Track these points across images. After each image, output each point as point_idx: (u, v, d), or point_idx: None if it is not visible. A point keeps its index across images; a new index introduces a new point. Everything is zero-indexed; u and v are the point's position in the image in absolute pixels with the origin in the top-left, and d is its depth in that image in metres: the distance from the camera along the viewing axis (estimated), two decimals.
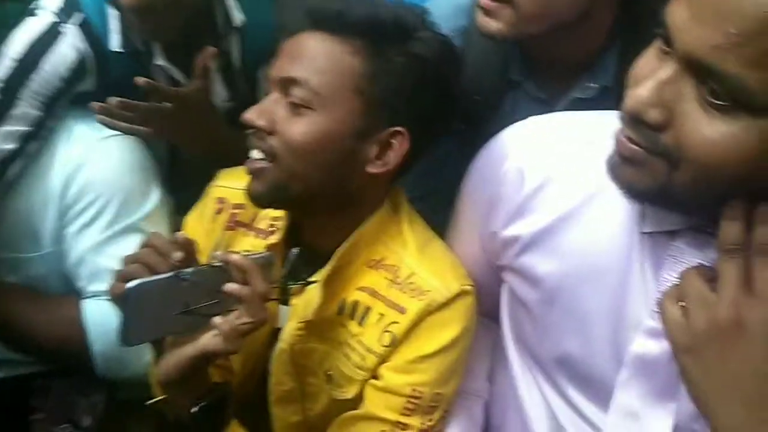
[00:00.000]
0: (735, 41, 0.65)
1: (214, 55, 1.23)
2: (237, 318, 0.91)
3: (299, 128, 0.97)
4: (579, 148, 0.94)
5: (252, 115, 0.99)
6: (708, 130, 0.70)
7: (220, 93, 1.39)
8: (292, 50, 0.99)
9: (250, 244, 1.12)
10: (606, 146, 0.85)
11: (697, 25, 0.68)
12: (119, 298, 0.90)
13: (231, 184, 1.16)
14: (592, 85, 1.24)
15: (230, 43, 1.35)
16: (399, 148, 1.00)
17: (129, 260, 0.94)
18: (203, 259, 1.16)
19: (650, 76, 0.73)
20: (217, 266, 0.94)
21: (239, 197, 1.14)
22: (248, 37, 1.35)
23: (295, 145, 0.97)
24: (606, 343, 0.90)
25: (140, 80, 1.18)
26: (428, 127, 1.04)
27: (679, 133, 0.72)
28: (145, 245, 0.95)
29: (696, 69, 0.70)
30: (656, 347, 0.85)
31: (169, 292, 0.89)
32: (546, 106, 1.29)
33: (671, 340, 0.78)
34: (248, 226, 1.13)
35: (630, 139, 0.75)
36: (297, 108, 0.97)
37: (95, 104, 1.20)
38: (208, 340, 0.92)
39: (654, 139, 0.73)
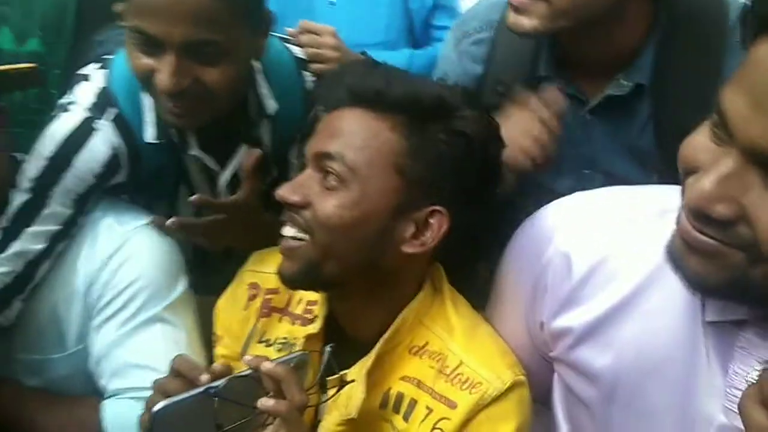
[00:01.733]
0: None
1: (259, 158, 1.22)
2: None
3: (332, 203, 0.93)
4: (629, 228, 0.88)
5: (285, 191, 0.96)
6: None
7: None
8: (330, 126, 0.97)
9: (286, 331, 1.07)
10: (658, 224, 0.80)
11: (762, 116, 0.62)
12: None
13: (263, 269, 1.13)
14: (627, 82, 1.22)
15: (262, 130, 1.33)
16: (437, 228, 0.95)
17: (157, 389, 0.88)
18: (238, 349, 1.12)
19: (710, 166, 0.67)
20: (247, 375, 0.87)
21: (273, 282, 1.10)
22: (279, 123, 1.33)
23: (329, 220, 0.93)
24: None
25: (195, 199, 1.21)
26: (470, 206, 0.99)
27: (753, 227, 0.66)
28: (172, 372, 0.89)
29: (763, 161, 0.64)
30: None
31: (199, 411, 0.83)
32: (578, 102, 1.27)
33: None
34: (283, 311, 1.09)
35: (699, 230, 0.69)
36: (331, 183, 0.94)
37: (155, 219, 1.24)
38: None
39: (728, 232, 0.67)
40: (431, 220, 0.95)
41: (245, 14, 1.14)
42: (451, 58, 1.38)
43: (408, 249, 0.96)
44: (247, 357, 0.90)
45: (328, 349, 0.95)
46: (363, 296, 1.00)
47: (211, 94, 1.13)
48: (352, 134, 0.94)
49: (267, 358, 0.89)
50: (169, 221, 1.22)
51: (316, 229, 0.94)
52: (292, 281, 0.99)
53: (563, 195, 1.27)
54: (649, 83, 1.22)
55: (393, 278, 1.00)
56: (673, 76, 1.20)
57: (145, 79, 1.14)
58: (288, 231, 0.97)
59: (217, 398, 0.83)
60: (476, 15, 1.37)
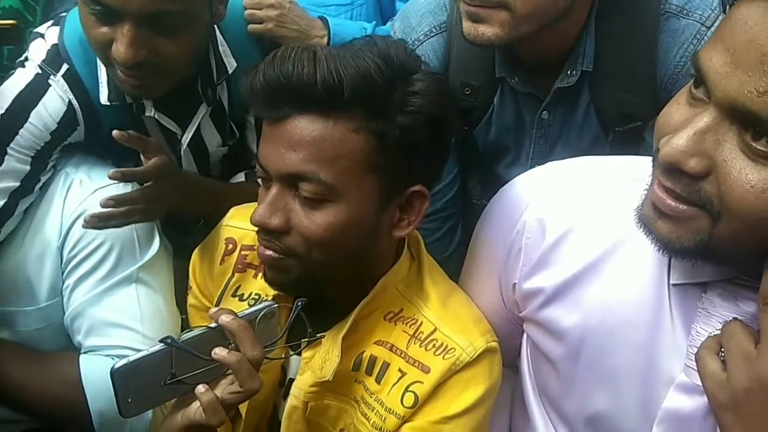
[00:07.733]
0: None
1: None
2: (228, 386, 0.87)
3: (320, 222, 0.90)
4: (601, 195, 0.92)
5: (262, 217, 0.91)
6: (753, 178, 0.67)
7: (212, 140, 1.36)
8: (288, 139, 0.89)
9: (259, 287, 1.08)
10: (629, 192, 0.83)
11: (740, 72, 0.65)
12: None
13: (241, 225, 1.12)
14: (573, 72, 1.23)
15: (222, 90, 1.31)
16: (419, 205, 0.96)
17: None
18: (210, 302, 1.13)
19: (686, 124, 0.70)
20: (212, 329, 0.88)
21: (249, 238, 1.10)
22: (236, 82, 1.28)
23: (320, 239, 0.91)
24: (636, 400, 0.87)
25: (116, 133, 1.13)
26: (440, 172, 1.01)
27: (721, 182, 0.69)
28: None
29: (739, 116, 0.67)
30: (689, 403, 0.82)
31: (159, 365, 0.86)
32: (534, 99, 1.29)
33: (710, 395, 0.75)
34: (259, 267, 1.09)
35: (669, 191, 0.72)
36: (311, 202, 0.90)
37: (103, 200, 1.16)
38: (194, 411, 0.87)
39: (695, 188, 0.70)
40: (412, 200, 0.96)
41: None
42: None
43: (398, 233, 0.97)
44: (212, 310, 0.91)
45: (298, 303, 0.95)
46: (347, 273, 1.00)
47: (168, 66, 1.11)
48: (318, 148, 0.88)
49: (231, 311, 0.90)
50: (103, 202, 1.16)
51: (303, 251, 0.92)
52: (284, 290, 0.99)
53: None
54: (592, 69, 1.22)
55: (378, 256, 1.01)
56: (612, 59, 1.22)
57: (102, 49, 1.11)
58: (269, 253, 0.94)
59: (173, 349, 0.86)
60: (422, 19, 1.31)
